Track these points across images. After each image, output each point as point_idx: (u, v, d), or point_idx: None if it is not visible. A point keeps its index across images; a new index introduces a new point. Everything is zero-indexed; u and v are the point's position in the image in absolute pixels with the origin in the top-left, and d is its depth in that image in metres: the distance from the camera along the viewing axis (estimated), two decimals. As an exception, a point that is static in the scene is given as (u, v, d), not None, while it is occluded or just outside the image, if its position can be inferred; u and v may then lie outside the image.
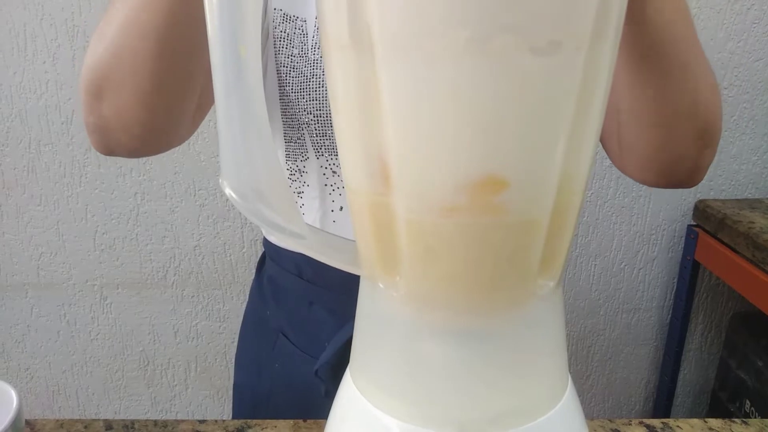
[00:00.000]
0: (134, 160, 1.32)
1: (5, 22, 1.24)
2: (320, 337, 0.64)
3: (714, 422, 0.60)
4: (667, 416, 1.57)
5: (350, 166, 0.29)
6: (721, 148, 1.42)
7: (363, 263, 0.31)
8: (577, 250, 1.46)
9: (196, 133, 0.67)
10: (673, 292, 1.51)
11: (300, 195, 0.65)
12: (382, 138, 0.26)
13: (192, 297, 1.45)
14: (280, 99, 0.61)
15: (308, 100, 0.58)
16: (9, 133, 1.31)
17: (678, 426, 0.60)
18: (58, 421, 0.60)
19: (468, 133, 0.25)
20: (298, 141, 0.62)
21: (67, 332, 1.46)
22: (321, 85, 0.58)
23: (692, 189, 1.43)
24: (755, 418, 1.24)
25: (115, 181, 1.34)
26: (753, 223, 1.23)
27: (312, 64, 0.58)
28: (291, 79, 0.59)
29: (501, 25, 0.23)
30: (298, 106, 0.59)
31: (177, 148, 1.09)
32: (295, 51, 0.59)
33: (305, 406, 0.66)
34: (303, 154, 0.62)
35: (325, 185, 0.63)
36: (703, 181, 1.54)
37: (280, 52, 0.59)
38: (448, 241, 0.27)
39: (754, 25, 1.34)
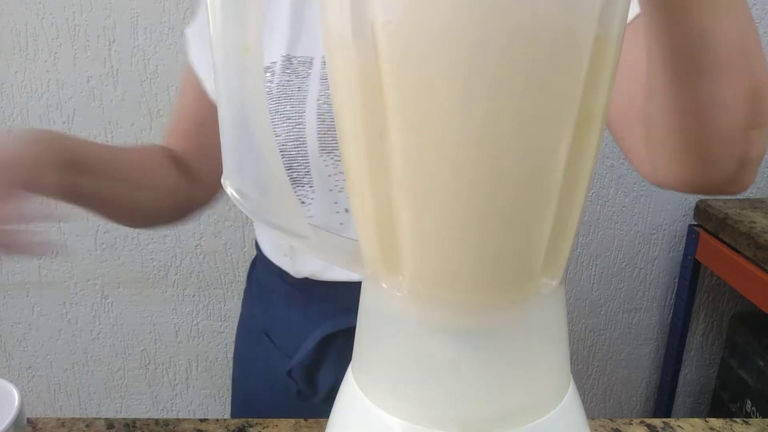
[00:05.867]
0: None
1: (6, 21, 1.24)
2: (297, 338, 0.66)
3: (715, 422, 0.60)
4: (668, 416, 1.57)
5: (353, 163, 0.29)
6: (722, 148, 1.41)
7: (366, 262, 0.31)
8: (578, 250, 1.46)
9: (197, 133, 0.69)
10: (674, 292, 1.51)
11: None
12: (385, 134, 0.26)
13: (193, 296, 1.45)
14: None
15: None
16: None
17: (679, 426, 0.60)
18: (59, 419, 0.60)
19: (473, 128, 0.25)
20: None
21: (69, 331, 1.47)
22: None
23: (693, 189, 1.42)
24: (756, 417, 1.24)
25: (116, 181, 1.34)
26: (754, 222, 1.23)
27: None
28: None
29: (507, 21, 0.23)
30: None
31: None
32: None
33: (283, 406, 0.67)
34: None
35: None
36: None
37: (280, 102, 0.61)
38: (452, 238, 0.27)
39: (756, 25, 1.34)
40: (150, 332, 1.47)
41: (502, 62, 0.24)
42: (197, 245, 1.40)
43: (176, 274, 1.43)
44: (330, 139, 0.57)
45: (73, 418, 0.60)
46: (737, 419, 0.60)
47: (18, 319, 1.45)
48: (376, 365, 0.32)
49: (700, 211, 1.37)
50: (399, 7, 0.24)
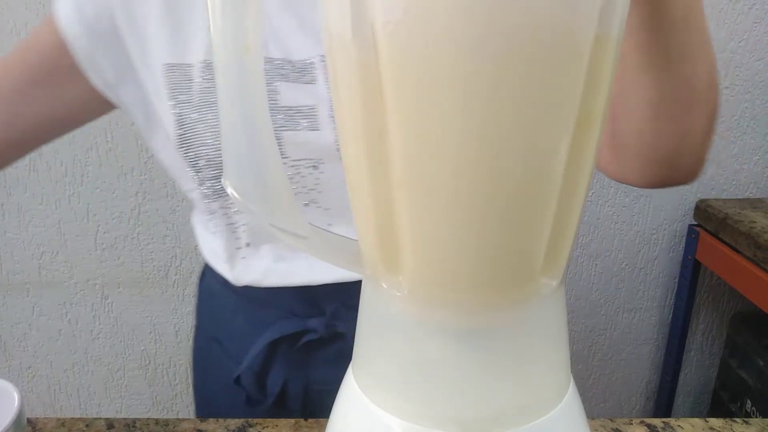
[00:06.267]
0: (136, 159, 1.32)
1: (6, 21, 1.24)
2: (245, 344, 0.66)
3: (715, 422, 0.60)
4: (668, 416, 1.57)
5: (353, 163, 0.29)
6: (722, 148, 1.42)
7: (365, 263, 0.31)
8: (578, 250, 1.46)
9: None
10: (674, 292, 1.51)
11: (214, 233, 0.66)
12: (385, 134, 0.26)
13: (193, 296, 1.44)
14: (179, 150, 0.59)
15: (198, 145, 0.57)
16: (10, 133, 1.31)
17: (679, 425, 0.60)
18: (59, 419, 0.60)
19: (473, 128, 0.25)
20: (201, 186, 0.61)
21: (69, 331, 1.47)
22: (210, 128, 0.57)
23: (693, 189, 1.43)
24: (756, 417, 1.24)
25: (116, 181, 1.35)
26: (754, 222, 1.23)
27: (197, 109, 0.56)
28: (181, 128, 0.58)
29: (507, 21, 0.23)
30: (193, 153, 0.58)
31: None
32: (183, 98, 0.57)
33: (235, 411, 0.67)
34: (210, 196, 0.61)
35: (228, 224, 0.62)
36: (704, 181, 1.55)
37: (173, 104, 0.58)
38: (452, 238, 0.27)
39: (756, 25, 1.34)
40: (150, 332, 1.47)
41: (502, 62, 0.24)
42: (197, 245, 1.40)
43: (176, 274, 1.43)
44: None
45: (73, 418, 0.60)
46: (737, 419, 0.60)
47: (18, 319, 1.45)
48: (376, 365, 0.32)
49: (700, 211, 1.37)
50: (399, 7, 0.24)
